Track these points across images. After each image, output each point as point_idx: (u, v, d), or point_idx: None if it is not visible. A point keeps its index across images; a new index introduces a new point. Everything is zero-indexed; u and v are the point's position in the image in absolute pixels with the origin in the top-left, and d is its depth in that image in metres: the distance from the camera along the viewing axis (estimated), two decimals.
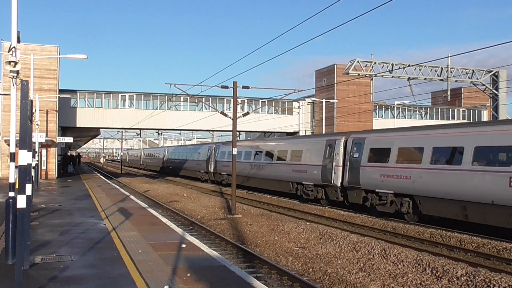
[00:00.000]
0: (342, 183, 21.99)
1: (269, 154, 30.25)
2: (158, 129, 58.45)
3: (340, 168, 22.04)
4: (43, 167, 38.46)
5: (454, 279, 9.66)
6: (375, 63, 42.29)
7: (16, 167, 8.26)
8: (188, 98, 44.17)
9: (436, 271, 10.23)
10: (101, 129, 56.12)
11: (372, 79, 48.25)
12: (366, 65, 42.15)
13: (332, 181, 22.46)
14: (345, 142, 22.13)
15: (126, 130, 65.66)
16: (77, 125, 44.28)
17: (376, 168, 19.63)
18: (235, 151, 20.60)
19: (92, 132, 56.64)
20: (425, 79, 42.93)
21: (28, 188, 8.85)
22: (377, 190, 19.42)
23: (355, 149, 21.18)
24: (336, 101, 47.04)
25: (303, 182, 25.29)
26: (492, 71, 45.76)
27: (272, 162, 29.51)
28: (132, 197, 24.45)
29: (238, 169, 33.53)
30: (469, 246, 13.65)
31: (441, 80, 43.58)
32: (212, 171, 40.51)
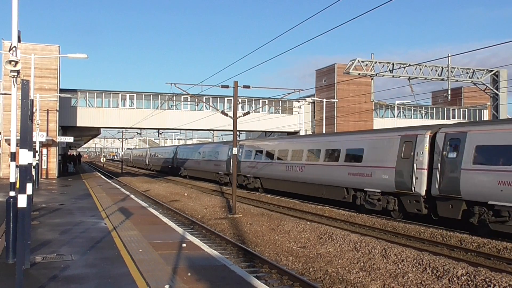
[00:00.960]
0: (428, 191, 17.24)
1: (314, 153, 25.16)
2: (159, 129, 58.41)
3: (425, 172, 17.31)
4: (44, 167, 38.50)
5: (455, 279, 9.66)
6: (375, 62, 42.28)
7: (16, 166, 8.26)
8: (189, 97, 44.15)
9: (437, 270, 10.23)
10: (101, 129, 56.17)
11: (372, 79, 48.24)
12: (367, 64, 42.14)
13: (413, 188, 17.61)
14: (432, 138, 17.54)
15: (127, 129, 65.73)
16: (78, 125, 44.32)
17: (489, 173, 14.90)
18: (235, 150, 20.67)
19: (93, 132, 56.69)
20: (425, 78, 42.91)
21: (29, 187, 8.86)
22: (490, 202, 14.74)
23: (450, 147, 16.53)
24: (337, 100, 47.04)
25: (366, 189, 20.24)
26: (492, 70, 45.75)
27: (318, 163, 24.38)
28: (132, 196, 24.46)
29: (269, 171, 29.70)
30: (469, 246, 13.65)
31: (442, 79, 43.57)
32: (227, 172, 36.56)
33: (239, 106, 45.48)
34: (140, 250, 10.56)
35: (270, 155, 30.28)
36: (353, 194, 21.58)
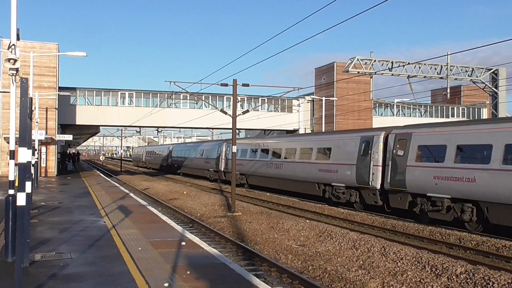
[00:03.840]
0: None
1: None
2: (158, 127, 58.39)
3: None
4: (43, 165, 38.48)
5: (454, 277, 9.67)
6: (374, 61, 42.27)
7: (15, 164, 8.25)
8: (188, 96, 44.15)
9: (436, 268, 10.24)
10: (100, 127, 56.17)
11: (371, 77, 48.25)
12: (366, 63, 42.12)
13: None
14: None
15: (126, 127, 65.67)
16: (77, 123, 44.34)
17: None
18: (234, 148, 20.62)
19: (92, 130, 56.66)
20: (424, 77, 42.92)
21: (28, 185, 8.84)
22: None
23: None
24: (336, 99, 47.05)
25: None
26: (491, 69, 45.76)
27: None
28: (131, 195, 24.44)
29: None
30: (468, 244, 13.67)
31: (441, 78, 43.57)
32: (376, 186, 19.65)
33: (238, 104, 45.41)
34: (140, 249, 10.56)
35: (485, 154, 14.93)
36: None
